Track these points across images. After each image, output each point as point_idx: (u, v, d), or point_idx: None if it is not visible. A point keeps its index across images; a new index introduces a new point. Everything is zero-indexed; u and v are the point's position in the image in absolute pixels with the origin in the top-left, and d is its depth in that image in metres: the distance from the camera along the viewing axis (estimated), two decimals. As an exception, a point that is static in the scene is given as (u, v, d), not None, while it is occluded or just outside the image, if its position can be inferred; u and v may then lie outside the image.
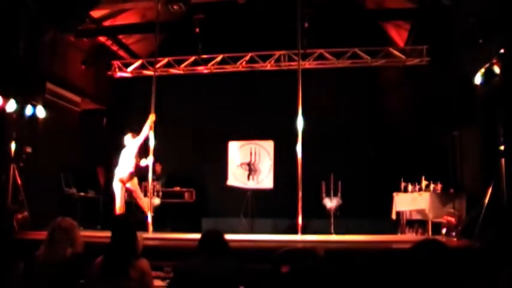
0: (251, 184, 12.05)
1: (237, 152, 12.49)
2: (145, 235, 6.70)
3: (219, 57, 12.25)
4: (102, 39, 12.41)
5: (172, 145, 12.44)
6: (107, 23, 11.99)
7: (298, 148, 8.62)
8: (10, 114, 9.10)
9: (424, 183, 9.72)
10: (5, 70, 9.00)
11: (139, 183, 9.39)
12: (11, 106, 8.97)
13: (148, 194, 9.34)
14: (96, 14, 11.27)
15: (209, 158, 12.98)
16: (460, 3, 8.74)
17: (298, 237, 8.12)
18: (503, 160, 7.17)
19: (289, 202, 9.19)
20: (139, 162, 9.06)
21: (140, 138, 8.94)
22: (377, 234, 8.99)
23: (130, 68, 12.90)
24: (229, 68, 12.31)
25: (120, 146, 13.23)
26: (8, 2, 9.15)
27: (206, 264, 3.95)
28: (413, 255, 2.77)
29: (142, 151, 9.17)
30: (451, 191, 9.54)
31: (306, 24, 10.04)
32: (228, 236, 4.35)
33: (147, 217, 9.19)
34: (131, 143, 8.99)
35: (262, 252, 5.72)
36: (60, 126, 10.92)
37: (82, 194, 11.44)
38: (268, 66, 12.14)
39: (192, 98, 13.05)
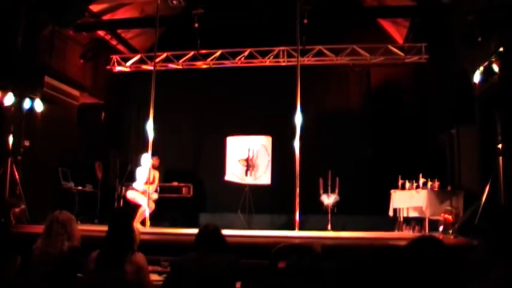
0: (249, 180, 12.03)
1: (235, 147, 12.47)
2: (142, 229, 6.71)
3: (218, 53, 12.23)
4: (101, 33, 12.40)
5: (170, 140, 12.43)
6: (106, 17, 11.96)
7: (296, 144, 8.62)
8: (8, 107, 9.10)
9: (421, 180, 9.74)
10: (4, 63, 8.99)
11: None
12: (9, 99, 8.96)
13: (146, 189, 9.37)
14: (95, 8, 11.25)
15: (207, 153, 12.98)
16: (459, 1, 8.73)
17: (296, 233, 8.13)
18: (500, 158, 7.18)
19: (286, 198, 9.21)
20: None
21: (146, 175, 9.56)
22: (374, 231, 9.01)
23: (129, 63, 12.88)
24: (228, 64, 12.30)
25: (117, 139, 13.37)
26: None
27: (203, 259, 3.96)
28: (410, 252, 2.77)
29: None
30: (449, 188, 9.56)
31: (305, 21, 10.04)
32: (226, 232, 4.36)
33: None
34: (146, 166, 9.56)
35: (259, 248, 5.73)
36: (58, 120, 10.91)
37: (80, 188, 11.43)
38: (267, 62, 12.14)
39: (190, 93, 13.03)
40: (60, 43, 11.07)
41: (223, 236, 4.19)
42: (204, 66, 12.44)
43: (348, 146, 12.02)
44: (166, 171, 12.30)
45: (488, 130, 7.93)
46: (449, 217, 8.41)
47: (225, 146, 12.54)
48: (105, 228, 4.17)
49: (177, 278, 4.01)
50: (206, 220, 11.47)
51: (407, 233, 9.57)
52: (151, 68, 10.65)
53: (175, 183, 12.24)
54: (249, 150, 12.19)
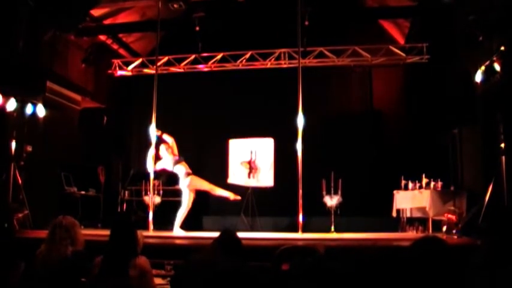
0: (251, 182, 12.02)
1: (238, 150, 12.47)
2: (145, 233, 6.71)
3: (219, 56, 12.22)
4: (102, 37, 12.41)
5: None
6: (107, 22, 11.98)
7: (299, 146, 8.63)
8: (10, 113, 9.11)
9: (424, 181, 9.73)
10: (5, 69, 9.00)
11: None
12: (11, 105, 8.98)
13: (149, 193, 9.38)
14: (96, 12, 11.27)
15: (209, 156, 12.96)
16: (460, 1, 8.73)
17: (299, 235, 8.13)
18: (503, 158, 7.18)
19: (289, 200, 9.20)
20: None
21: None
22: (377, 232, 9.00)
23: (130, 67, 12.86)
24: (229, 66, 12.27)
25: (119, 143, 13.37)
26: (8, 0, 9.15)
27: (209, 263, 3.94)
28: (414, 253, 2.77)
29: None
30: (452, 188, 9.57)
31: (306, 22, 10.05)
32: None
33: (148, 215, 9.22)
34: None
35: (262, 250, 5.73)
36: (61, 124, 10.92)
37: (83, 192, 11.41)
38: (269, 64, 12.12)
39: (192, 96, 13.04)
40: (62, 48, 11.08)
41: (240, 240, 4.18)
42: (206, 69, 12.43)
43: (350, 147, 12.00)
44: (168, 174, 12.30)
45: (490, 129, 7.93)
46: (453, 217, 8.41)
47: (228, 148, 12.55)
48: (108, 232, 4.17)
49: (182, 281, 4.00)
50: (209, 223, 11.53)
51: (411, 234, 9.56)
52: (153, 71, 10.66)
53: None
54: (251, 152, 12.19)
